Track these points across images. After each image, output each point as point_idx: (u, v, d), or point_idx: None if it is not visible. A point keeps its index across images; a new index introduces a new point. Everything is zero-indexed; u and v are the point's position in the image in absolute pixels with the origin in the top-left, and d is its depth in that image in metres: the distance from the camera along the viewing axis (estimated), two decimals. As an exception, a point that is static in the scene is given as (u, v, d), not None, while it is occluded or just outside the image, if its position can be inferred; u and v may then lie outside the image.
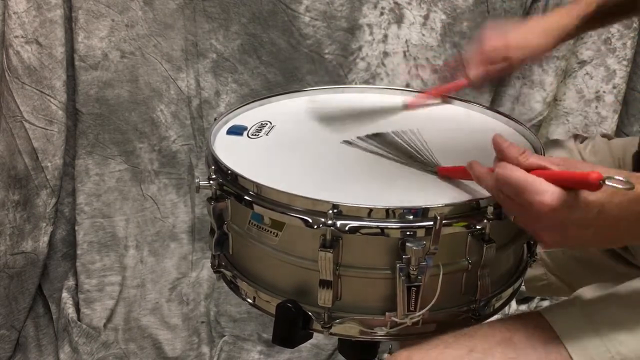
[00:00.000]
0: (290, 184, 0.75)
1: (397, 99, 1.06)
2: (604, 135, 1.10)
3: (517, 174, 0.66)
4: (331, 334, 0.77)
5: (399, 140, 0.90)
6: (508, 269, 0.84)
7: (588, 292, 0.79)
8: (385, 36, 1.57)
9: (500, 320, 0.77)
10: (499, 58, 0.99)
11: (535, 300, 1.73)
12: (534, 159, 0.68)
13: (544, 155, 0.84)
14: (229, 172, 0.79)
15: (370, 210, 0.71)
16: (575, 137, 1.11)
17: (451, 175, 0.80)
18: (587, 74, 1.67)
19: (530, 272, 1.02)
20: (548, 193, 0.64)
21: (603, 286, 0.79)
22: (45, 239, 1.57)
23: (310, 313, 0.76)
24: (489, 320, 0.80)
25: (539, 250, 1.06)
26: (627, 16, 1.35)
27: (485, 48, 1.00)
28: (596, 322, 0.74)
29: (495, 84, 1.02)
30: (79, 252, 1.60)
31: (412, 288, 0.72)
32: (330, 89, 1.09)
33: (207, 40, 1.53)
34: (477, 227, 0.73)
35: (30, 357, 1.60)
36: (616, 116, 1.71)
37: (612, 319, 0.74)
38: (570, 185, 0.64)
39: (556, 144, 1.12)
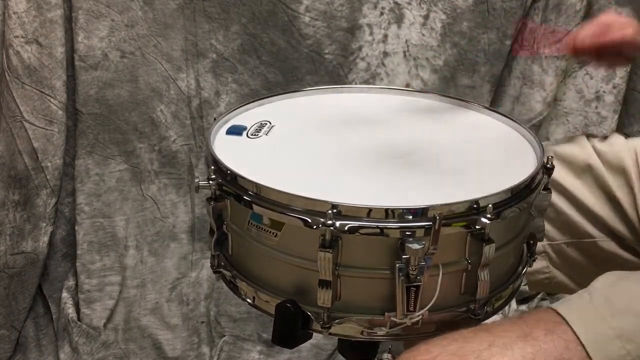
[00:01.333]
0: (289, 184, 0.75)
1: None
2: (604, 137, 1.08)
3: None
4: (330, 334, 0.77)
5: None
6: (508, 269, 0.84)
7: (604, 285, 0.77)
8: (385, 36, 1.57)
9: (520, 315, 0.77)
10: (615, 26, 0.92)
11: (536, 300, 1.73)
12: None
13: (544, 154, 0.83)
14: (229, 172, 0.79)
15: (370, 210, 0.71)
16: (587, 136, 1.09)
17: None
18: (587, 74, 1.67)
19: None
20: None
21: (618, 275, 0.78)
22: (45, 239, 1.56)
23: (309, 313, 0.76)
24: (508, 315, 0.79)
25: (542, 243, 1.05)
26: None
27: (602, 18, 0.93)
28: (614, 319, 0.73)
29: (598, 61, 0.95)
30: (79, 252, 1.60)
31: (412, 288, 0.72)
32: (330, 88, 1.09)
33: (207, 40, 1.53)
34: (477, 226, 0.73)
35: (30, 357, 1.60)
36: (616, 116, 1.71)
37: (630, 316, 0.73)
38: None
39: (571, 140, 1.09)
